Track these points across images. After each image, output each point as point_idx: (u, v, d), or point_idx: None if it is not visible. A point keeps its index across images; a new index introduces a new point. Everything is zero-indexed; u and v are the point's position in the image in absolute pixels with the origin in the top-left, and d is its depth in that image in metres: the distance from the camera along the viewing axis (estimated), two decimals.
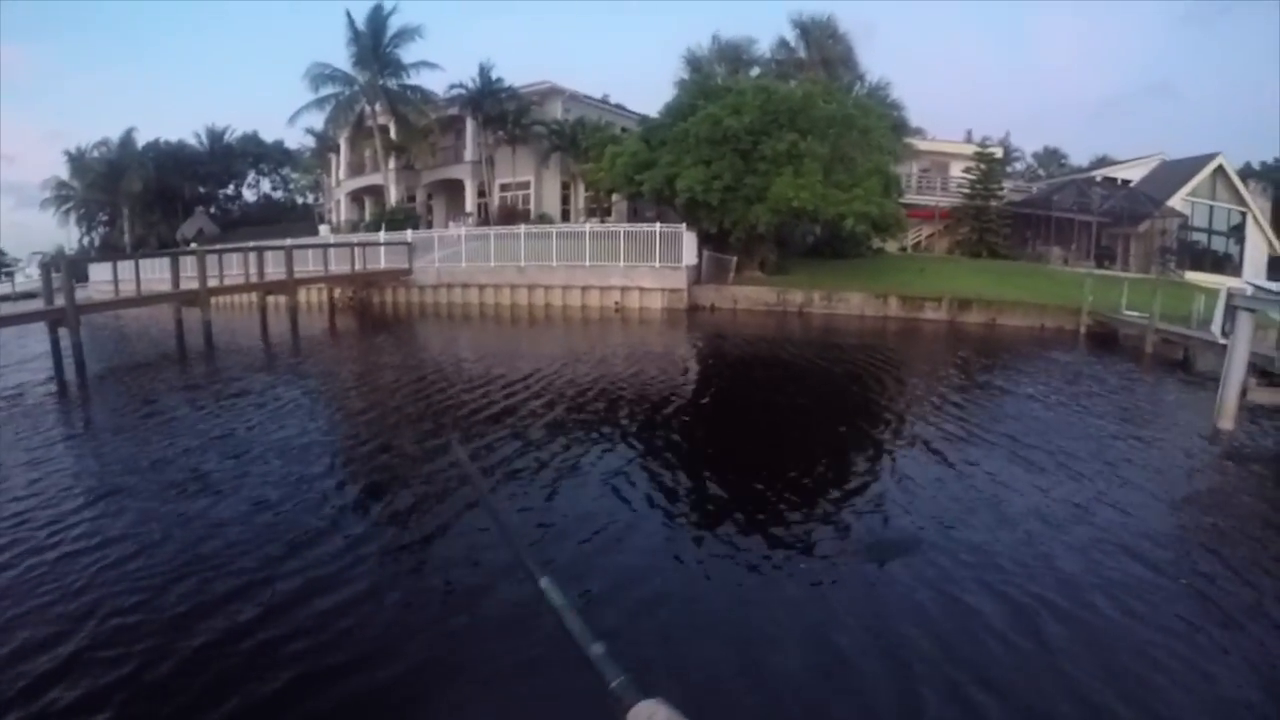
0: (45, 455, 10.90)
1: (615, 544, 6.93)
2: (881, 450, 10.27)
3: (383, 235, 34.39)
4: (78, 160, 62.41)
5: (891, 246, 37.68)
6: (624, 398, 13.49)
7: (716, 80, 33.54)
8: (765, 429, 11.71)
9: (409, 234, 33.91)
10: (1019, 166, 64.81)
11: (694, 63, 39.32)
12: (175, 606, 5.91)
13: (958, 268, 32.23)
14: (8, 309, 30.26)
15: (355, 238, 35.53)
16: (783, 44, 40.86)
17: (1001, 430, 11.17)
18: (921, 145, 44.23)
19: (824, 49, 39.46)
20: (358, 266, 31.98)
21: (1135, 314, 20.00)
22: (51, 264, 26.73)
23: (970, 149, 44.38)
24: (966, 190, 41.08)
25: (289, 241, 31.45)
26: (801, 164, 25.69)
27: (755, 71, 38.43)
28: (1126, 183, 43.05)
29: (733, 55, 39.87)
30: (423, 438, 11.24)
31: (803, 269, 29.88)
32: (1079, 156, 74.52)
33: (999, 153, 49.08)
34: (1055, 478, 8.93)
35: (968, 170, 41.48)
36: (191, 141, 62.54)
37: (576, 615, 1.35)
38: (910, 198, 39.68)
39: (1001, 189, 42.40)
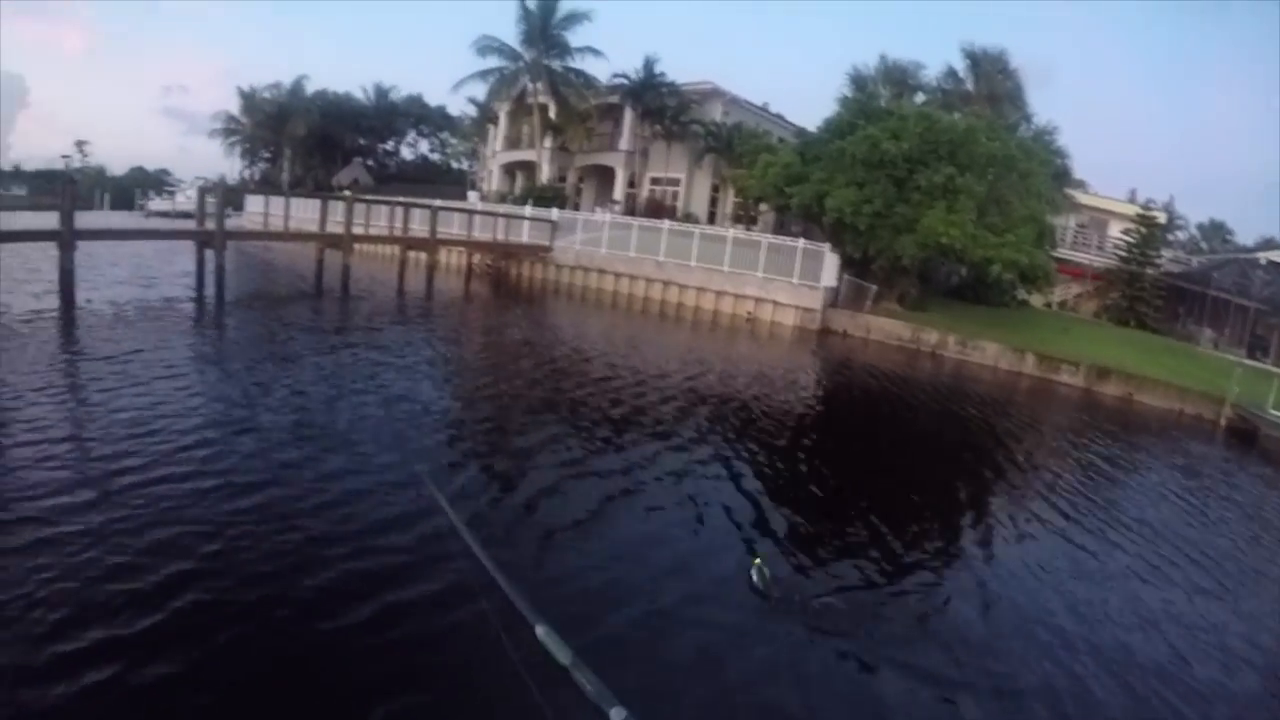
0: (173, 371, 11.70)
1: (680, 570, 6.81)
2: (994, 521, 9.76)
3: (529, 210, 35.08)
4: (249, 98, 65.69)
5: (1037, 300, 36.48)
6: (739, 415, 13.30)
7: (879, 102, 33.01)
8: (876, 474, 11.33)
9: (554, 212, 34.52)
10: (1180, 236, 61.94)
11: (858, 81, 38.79)
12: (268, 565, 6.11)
13: (1102, 333, 31.03)
14: (165, 223, 32.14)
15: (502, 208, 36.33)
16: (950, 73, 39.93)
17: (1122, 519, 10.48)
18: (1082, 199, 42.70)
19: (992, 83, 38.40)
20: (500, 236, 32.82)
21: None
22: (210, 188, 28.06)
23: (1132, 210, 42.50)
24: (1123, 253, 39.39)
25: (437, 202, 32.43)
26: (956, 200, 25.01)
27: (920, 98, 37.70)
28: None
29: (898, 78, 39.21)
30: (535, 423, 11.24)
31: (942, 309, 29.13)
32: (1245, 235, 71.00)
33: (1162, 218, 47.01)
34: (1168, 578, 8.49)
35: (1126, 232, 39.81)
36: (358, 95, 65.07)
37: (592, 674, 1.31)
38: (1063, 252, 38.42)
39: (1160, 257, 40.68)
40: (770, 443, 11.95)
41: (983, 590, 7.34)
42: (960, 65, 39.60)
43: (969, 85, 39.34)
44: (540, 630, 4.44)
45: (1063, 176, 34.46)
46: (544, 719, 4.17)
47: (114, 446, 8.09)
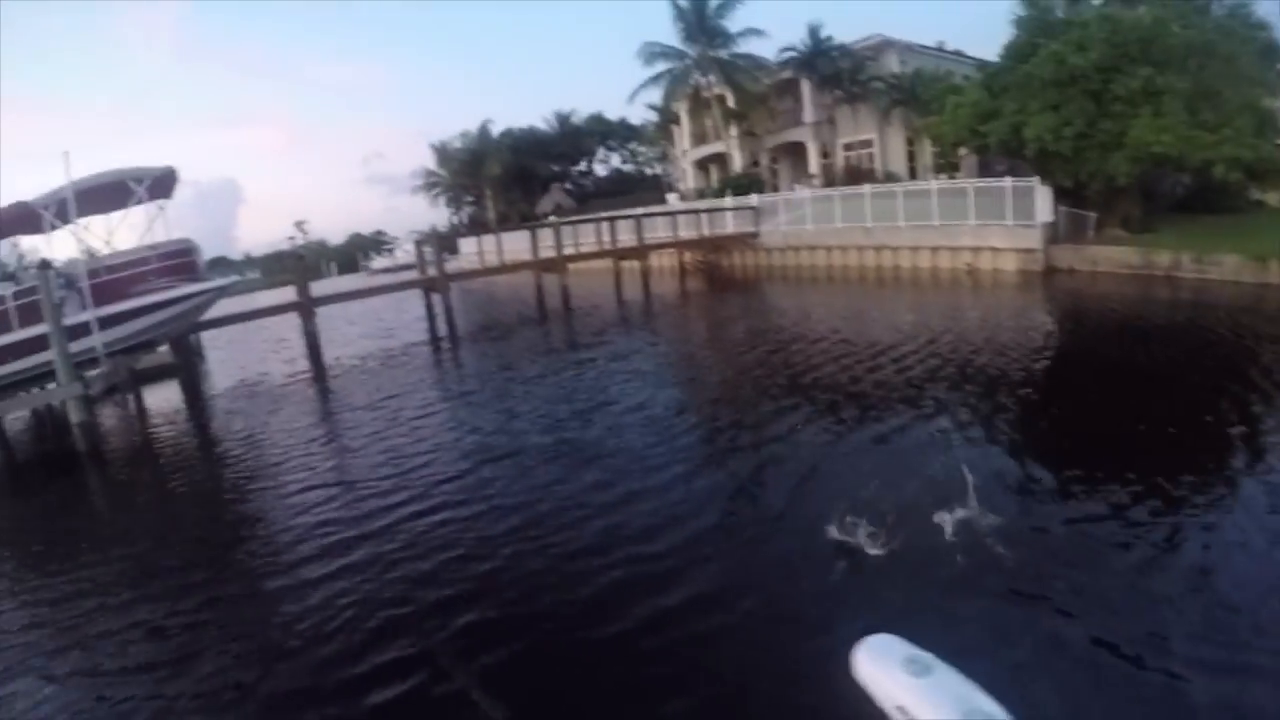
0: (427, 409, 13.72)
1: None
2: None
3: (728, 201, 36.24)
4: (442, 151, 70.86)
5: (1274, 198, 33.64)
6: (979, 375, 12.92)
7: (1056, 13, 31.48)
8: (1132, 420, 9.95)
9: (754, 198, 35.53)
10: None
11: None
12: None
13: None
14: (391, 279, 35.63)
15: (702, 204, 37.70)
16: None
17: None
18: None
19: None
20: (705, 232, 34.16)
21: None
22: (424, 239, 30.90)
23: None
24: None
25: (639, 211, 34.18)
26: (1160, 102, 23.53)
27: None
28: None
29: None
30: (773, 414, 11.47)
31: (1170, 226, 26.98)
32: None
33: None
34: None
35: None
36: (541, 126, 68.36)
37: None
38: None
39: None
40: (1017, 399, 11.64)
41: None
42: None
43: None
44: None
45: (1272, 52, 31.66)
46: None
47: (386, 483, 9.57)
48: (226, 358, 23.66)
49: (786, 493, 8.29)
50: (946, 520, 6.88)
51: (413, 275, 26.37)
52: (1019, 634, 5.32)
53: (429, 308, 23.17)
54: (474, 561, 7.22)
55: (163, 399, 18.93)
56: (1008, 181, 26.78)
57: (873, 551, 6.55)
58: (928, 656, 4.37)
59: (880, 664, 4.44)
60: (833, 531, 6.90)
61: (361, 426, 12.85)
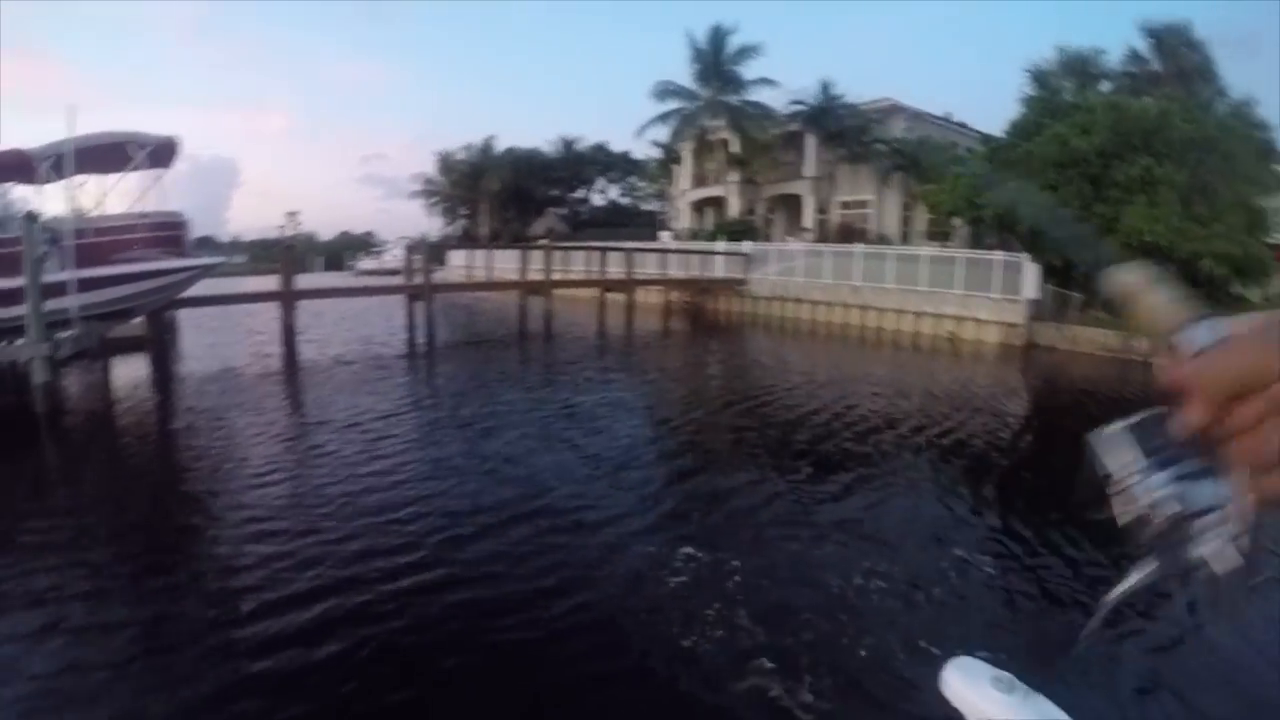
0: (388, 418, 13.21)
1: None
2: None
3: (721, 245, 36.37)
4: (445, 160, 70.94)
5: (1255, 295, 34.07)
6: (951, 447, 12.73)
7: (1064, 96, 32.07)
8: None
9: (747, 245, 35.62)
10: None
11: (1039, 77, 37.37)
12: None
13: None
14: (376, 281, 35.43)
15: (694, 245, 37.88)
16: (1133, 55, 37.97)
17: None
18: None
19: (1179, 59, 36.36)
20: (694, 273, 34.22)
21: None
22: (415, 246, 30.72)
23: None
24: None
25: (631, 244, 34.08)
26: (1156, 192, 24.07)
27: (1105, 87, 36.23)
28: None
29: (1080, 69, 37.55)
30: (743, 462, 11.25)
31: None
32: None
33: None
34: None
35: None
36: (545, 149, 68.65)
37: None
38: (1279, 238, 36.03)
39: None
40: (989, 473, 11.60)
41: None
42: (1142, 45, 37.75)
43: (1155, 65, 37.31)
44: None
45: (1269, 152, 32.23)
46: None
47: (334, 489, 9.23)
48: (201, 338, 23.21)
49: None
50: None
51: (399, 281, 26.12)
52: None
53: (411, 314, 22.93)
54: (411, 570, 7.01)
55: (130, 372, 18.40)
56: (998, 255, 27.00)
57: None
58: (1009, 676, 4.53)
59: (970, 682, 4.09)
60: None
61: (322, 430, 12.45)
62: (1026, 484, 11.34)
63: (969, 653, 3.61)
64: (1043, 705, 4.20)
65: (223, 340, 23.73)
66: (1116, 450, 0.78)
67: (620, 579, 6.92)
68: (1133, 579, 0.81)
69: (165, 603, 6.53)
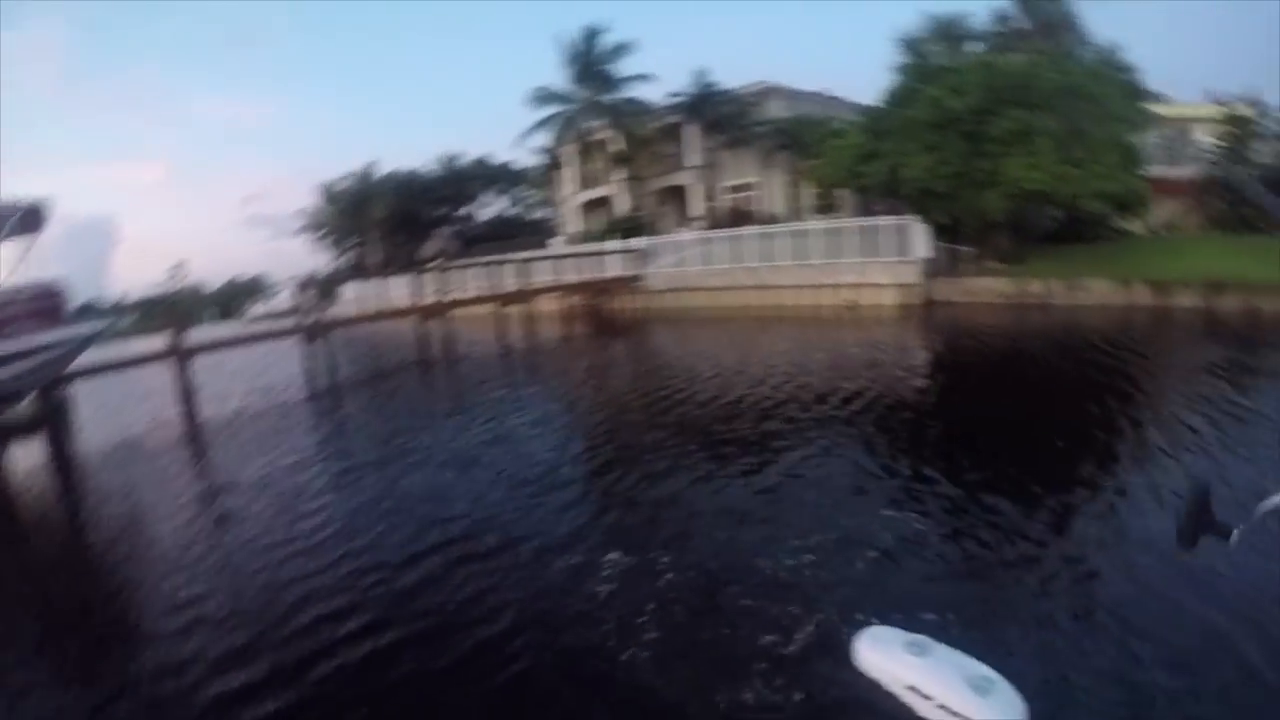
0: (303, 460, 12.67)
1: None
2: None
3: (613, 244, 35.90)
4: (328, 192, 68.66)
5: (1137, 227, 35.07)
6: (866, 407, 12.95)
7: (935, 61, 32.55)
8: (1004, 437, 10.88)
9: (638, 241, 35.28)
10: (1271, 128, 58.90)
11: (910, 44, 38.12)
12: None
13: (1210, 246, 29.53)
14: (268, 326, 34.05)
15: (586, 248, 37.24)
16: (999, 14, 38.79)
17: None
18: (1160, 110, 41.00)
19: (1044, 13, 37.08)
20: (589, 275, 33.61)
21: None
22: (304, 285, 29.57)
23: (1217, 111, 40.60)
24: (1215, 159, 37.86)
25: (523, 255, 33.58)
26: (1032, 142, 24.48)
27: (974, 47, 36.86)
28: None
29: (948, 32, 38.28)
30: (657, 460, 10.86)
31: (1041, 257, 28.25)
32: None
33: (1250, 112, 44.73)
34: None
35: (1214, 136, 38.35)
36: (427, 169, 67.08)
37: None
38: (1152, 170, 37.07)
39: (1254, 154, 38.88)
40: (901, 428, 11.90)
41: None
42: (1008, 3, 38.39)
43: (1021, 21, 38.09)
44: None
45: (1136, 92, 33.12)
46: None
47: (262, 558, 8.39)
48: (97, 411, 21.53)
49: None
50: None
51: (292, 322, 24.89)
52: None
53: (309, 357, 21.83)
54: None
55: (25, 458, 16.58)
56: (886, 220, 27.24)
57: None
58: (923, 638, 4.82)
59: (884, 651, 4.84)
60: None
61: (235, 493, 11.36)
62: (937, 433, 11.62)
63: (884, 621, 4.19)
64: (961, 660, 4.66)
65: (121, 409, 22.09)
66: None
67: (553, 596, 6.72)
68: None
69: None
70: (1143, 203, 28.44)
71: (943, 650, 4.68)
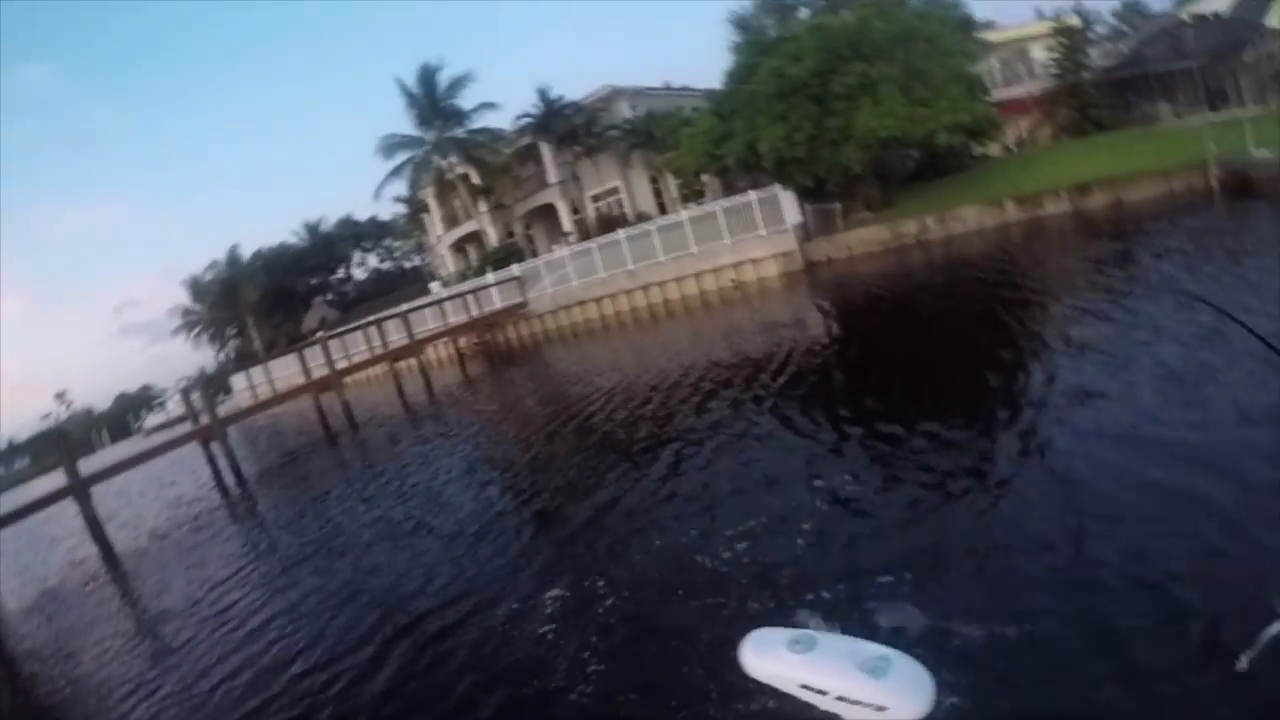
0: (229, 571, 11.66)
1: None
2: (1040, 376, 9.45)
3: (491, 277, 35.15)
4: (195, 286, 66.18)
5: (994, 150, 35.86)
6: (764, 385, 12.94)
7: (768, 33, 32.70)
8: (914, 377, 11.18)
9: (515, 269, 34.68)
10: (1100, 31, 61.23)
11: (741, 23, 38.31)
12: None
13: (1068, 153, 30.26)
14: (163, 436, 32.30)
15: (466, 286, 36.39)
16: None
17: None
18: (994, 37, 42.00)
19: None
20: (474, 313, 32.83)
21: (1266, 153, 17.77)
22: (191, 386, 28.32)
23: (1046, 27, 41.91)
24: (1055, 71, 38.94)
25: (404, 307, 32.69)
26: (876, 92, 24.66)
27: (805, 14, 37.22)
28: (1217, 15, 39.98)
29: (776, 5, 38.71)
30: (581, 484, 10.82)
31: (910, 197, 28.73)
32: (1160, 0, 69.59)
33: (1077, 22, 46.28)
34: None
35: (1050, 50, 39.39)
36: (292, 240, 65.28)
37: None
38: (998, 94, 37.86)
39: (1090, 59, 40.09)
40: (812, 393, 12.00)
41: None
42: None
43: None
44: None
45: (967, 25, 33.78)
46: None
47: (207, 684, 7.84)
48: (8, 566, 19.92)
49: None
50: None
51: (187, 428, 23.50)
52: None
53: (210, 459, 20.61)
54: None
55: None
56: (752, 195, 27.02)
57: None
58: (807, 633, 4.71)
59: (769, 655, 4.67)
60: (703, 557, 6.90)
61: (168, 623, 10.42)
62: (847, 388, 11.95)
63: (768, 623, 3.98)
64: (852, 646, 4.52)
65: (32, 559, 20.76)
66: None
67: (498, 646, 6.58)
68: None
69: None
70: (995, 126, 28.99)
71: (831, 640, 4.61)
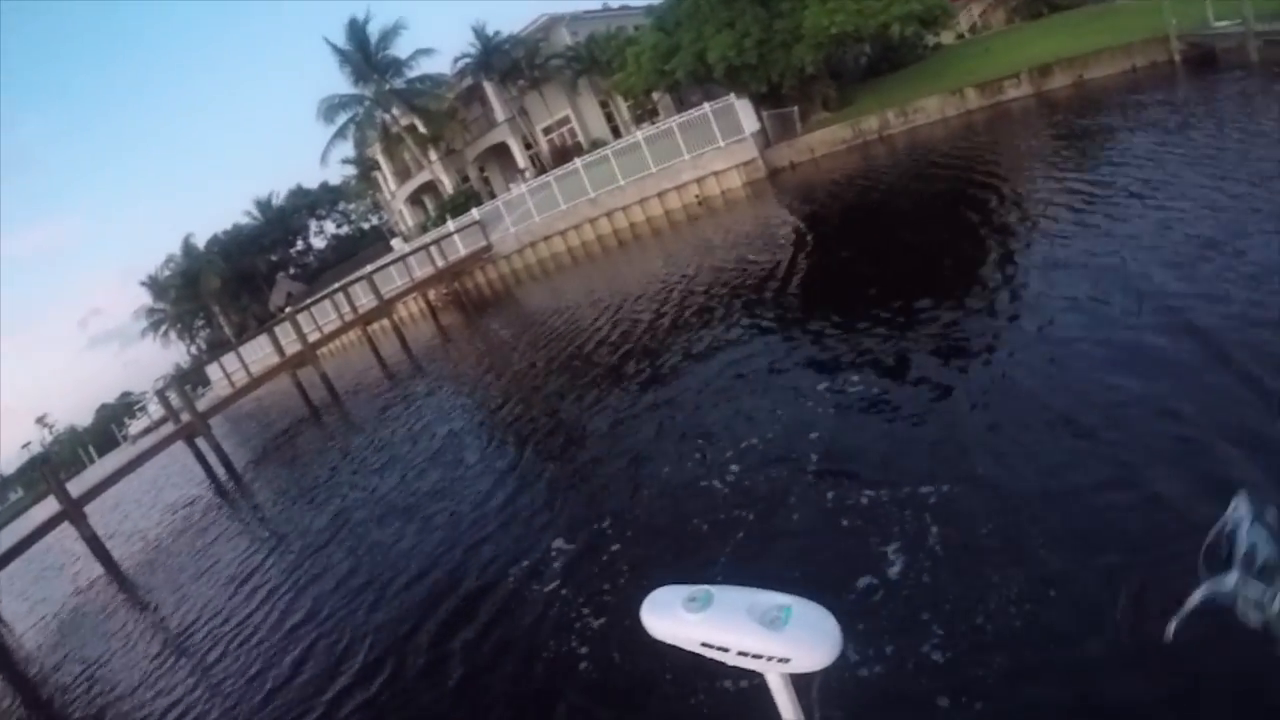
0: (238, 571, 11.37)
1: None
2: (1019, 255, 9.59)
3: (451, 224, 34.51)
4: (155, 284, 64.78)
5: (948, 38, 35.17)
6: (738, 286, 13.12)
7: None
8: (897, 268, 11.06)
9: (475, 213, 34.04)
10: None
11: None
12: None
13: (1025, 35, 29.58)
14: (149, 441, 31.71)
15: (428, 237, 35.77)
16: None
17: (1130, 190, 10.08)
18: None
19: None
20: (439, 264, 32.22)
21: (1227, 23, 17.19)
22: (166, 387, 27.97)
23: None
24: None
25: (369, 268, 32.22)
26: None
27: None
28: None
29: None
30: (575, 423, 10.75)
31: (868, 93, 28.02)
32: None
33: None
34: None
35: None
36: (245, 220, 63.87)
37: None
38: None
39: None
40: (793, 301, 11.74)
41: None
42: None
43: None
44: None
45: None
46: None
47: (244, 685, 7.58)
48: (19, 598, 19.57)
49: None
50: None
51: (170, 428, 23.03)
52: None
53: (199, 456, 20.24)
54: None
55: None
56: (707, 107, 26.32)
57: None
58: (701, 589, 3.73)
59: (666, 616, 3.64)
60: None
61: (189, 634, 9.96)
62: (826, 292, 11.73)
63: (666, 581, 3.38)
64: (750, 598, 4.16)
65: (42, 589, 20.13)
66: None
67: (513, 603, 6.54)
68: None
69: None
70: (947, 13, 27.89)
71: (728, 594, 4.37)
